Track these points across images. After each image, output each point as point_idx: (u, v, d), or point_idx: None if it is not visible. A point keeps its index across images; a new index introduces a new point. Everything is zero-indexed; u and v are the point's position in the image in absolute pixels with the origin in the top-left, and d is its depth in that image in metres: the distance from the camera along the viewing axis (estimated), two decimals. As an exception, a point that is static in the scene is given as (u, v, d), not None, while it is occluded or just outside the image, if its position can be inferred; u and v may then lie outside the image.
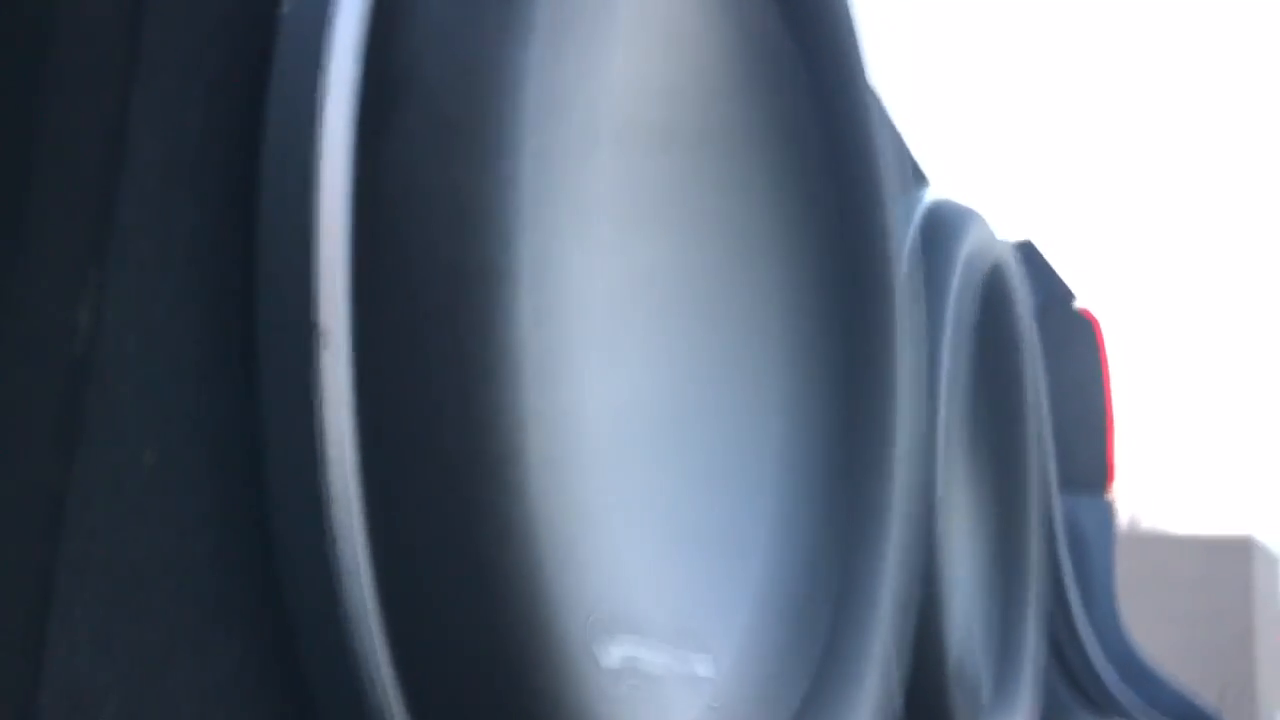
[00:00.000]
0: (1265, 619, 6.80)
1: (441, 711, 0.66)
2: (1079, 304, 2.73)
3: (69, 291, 0.56)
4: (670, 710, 0.78)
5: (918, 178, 1.90)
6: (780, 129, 1.18)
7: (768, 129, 1.18)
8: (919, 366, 1.23)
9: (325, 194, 0.64)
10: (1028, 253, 2.50)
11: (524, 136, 0.65)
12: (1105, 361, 2.72)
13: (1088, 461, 2.69)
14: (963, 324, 1.51)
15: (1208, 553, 6.61)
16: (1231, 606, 6.42)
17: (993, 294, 1.77)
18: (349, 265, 0.64)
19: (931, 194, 1.72)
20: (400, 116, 0.64)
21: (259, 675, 0.63)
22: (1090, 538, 2.67)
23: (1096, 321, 2.72)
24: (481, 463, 0.62)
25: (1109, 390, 2.72)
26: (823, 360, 1.20)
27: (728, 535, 1.05)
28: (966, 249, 1.61)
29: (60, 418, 0.54)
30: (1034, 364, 2.03)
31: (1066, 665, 2.43)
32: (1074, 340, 2.71)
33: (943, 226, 1.63)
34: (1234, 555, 6.60)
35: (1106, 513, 2.71)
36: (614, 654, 0.68)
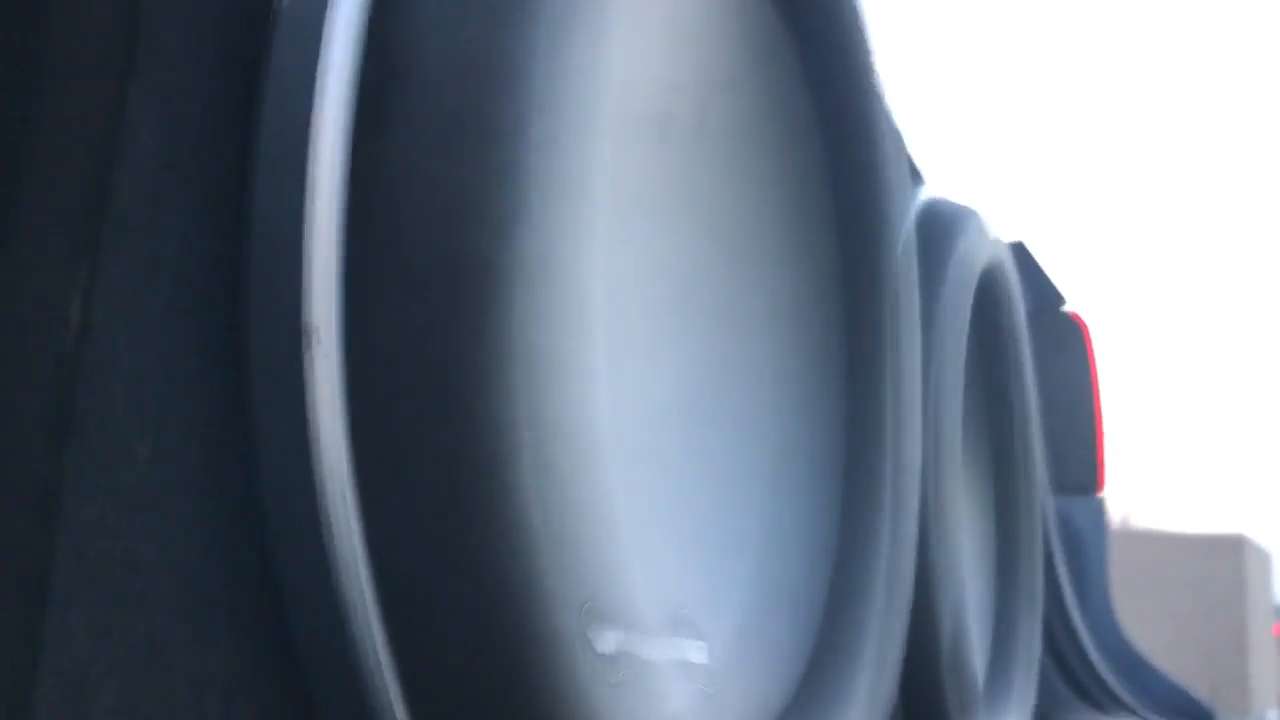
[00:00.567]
0: (1257, 615, 6.82)
1: (437, 701, 0.65)
2: (1068, 307, 2.74)
3: (60, 286, 0.56)
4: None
5: (914, 176, 1.90)
6: (783, 124, 1.18)
7: (771, 124, 1.18)
8: (915, 362, 1.23)
9: (319, 189, 0.63)
10: (1019, 255, 2.51)
11: (522, 128, 0.65)
12: (1095, 364, 2.73)
13: (1079, 463, 2.70)
14: (957, 321, 1.51)
15: (1200, 550, 6.64)
16: (1224, 603, 6.45)
17: (987, 292, 1.78)
18: (342, 260, 0.63)
19: (927, 192, 1.72)
20: (397, 109, 0.64)
21: (254, 667, 0.63)
22: (1084, 536, 2.68)
23: (1086, 325, 2.74)
24: (474, 462, 0.62)
25: (1098, 392, 2.73)
26: (818, 355, 1.20)
27: (724, 528, 1.05)
28: (961, 247, 1.61)
29: (53, 412, 0.54)
30: (1027, 363, 2.03)
31: (1062, 661, 2.43)
32: (1064, 343, 2.72)
33: (938, 224, 1.63)
34: (1226, 552, 6.63)
35: (1099, 511, 2.72)
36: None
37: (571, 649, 0.66)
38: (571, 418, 0.67)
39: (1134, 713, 2.39)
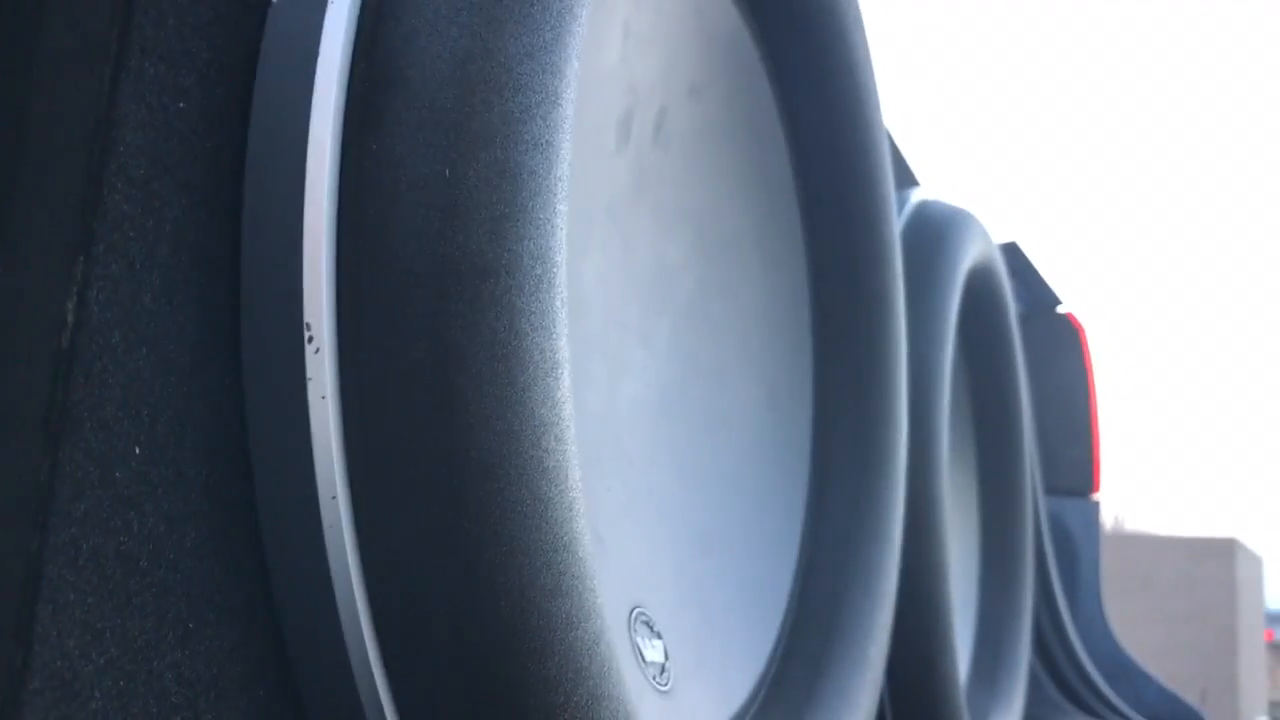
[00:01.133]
0: (1248, 619, 6.83)
1: (426, 702, 0.66)
2: (1064, 308, 2.74)
3: (55, 284, 0.56)
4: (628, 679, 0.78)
5: (909, 179, 1.91)
6: (779, 127, 1.19)
7: (766, 127, 1.18)
8: (897, 361, 1.23)
9: (313, 187, 0.63)
10: (1014, 256, 2.52)
11: (516, 128, 0.65)
12: (1090, 365, 2.73)
13: (1073, 465, 2.71)
14: (942, 320, 1.51)
15: (1192, 553, 6.64)
16: (1215, 607, 6.45)
17: (976, 292, 1.78)
18: (337, 259, 0.63)
19: (920, 194, 1.73)
20: (390, 108, 0.64)
21: (246, 665, 0.63)
22: (1076, 538, 2.68)
23: (1081, 326, 2.74)
24: (469, 461, 0.62)
25: (1094, 394, 2.74)
26: (788, 355, 1.20)
27: (690, 526, 1.05)
28: (949, 248, 1.61)
29: (47, 409, 0.54)
30: (1018, 363, 2.04)
31: (1052, 663, 2.44)
32: (1059, 344, 2.72)
33: (928, 225, 1.63)
34: (1218, 556, 6.64)
35: (1092, 514, 2.73)
36: (590, 630, 0.68)
37: (569, 647, 0.66)
38: (563, 417, 0.67)
39: (1124, 716, 2.40)
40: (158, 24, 0.60)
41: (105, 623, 0.55)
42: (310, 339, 0.63)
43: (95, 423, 0.55)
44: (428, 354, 0.62)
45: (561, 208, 0.67)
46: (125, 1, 0.58)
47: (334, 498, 0.62)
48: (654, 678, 0.90)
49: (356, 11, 0.66)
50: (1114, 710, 2.40)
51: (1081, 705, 2.41)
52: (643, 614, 0.93)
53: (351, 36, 0.65)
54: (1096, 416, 2.73)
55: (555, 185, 0.66)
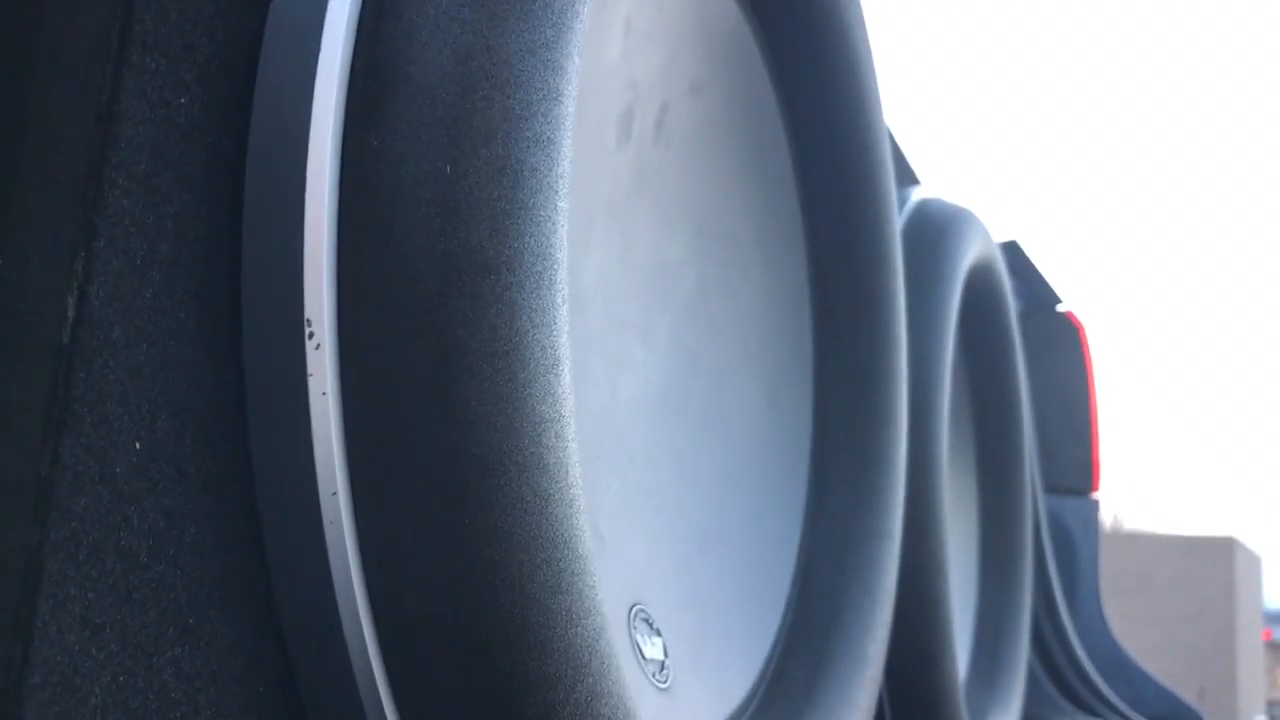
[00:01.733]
0: (1247, 618, 6.83)
1: (425, 698, 0.66)
2: (1064, 307, 2.74)
3: (56, 279, 0.55)
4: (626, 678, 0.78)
5: (909, 177, 1.91)
6: (780, 125, 1.19)
7: (767, 124, 1.18)
8: (898, 359, 1.23)
9: (314, 183, 0.63)
10: (1014, 255, 2.52)
11: (517, 125, 0.65)
12: (1090, 364, 2.73)
13: (1073, 463, 2.71)
14: (942, 318, 1.52)
15: (1191, 552, 6.65)
16: (1214, 606, 6.46)
17: (977, 290, 1.78)
18: (336, 255, 0.63)
19: (921, 193, 1.73)
20: (391, 103, 0.64)
21: (246, 660, 0.63)
22: (1075, 537, 2.68)
23: (1081, 325, 2.74)
24: (469, 457, 0.62)
25: (1093, 392, 2.74)
26: (788, 353, 1.20)
27: (689, 523, 1.05)
28: (949, 246, 1.61)
29: (48, 404, 0.54)
30: (1018, 361, 2.04)
31: (1051, 662, 2.44)
32: (1059, 343, 2.72)
33: (929, 224, 1.63)
34: (1217, 555, 6.64)
35: (1091, 513, 2.73)
36: (587, 629, 0.68)
37: (569, 644, 0.66)
38: (564, 413, 0.67)
39: (1122, 715, 2.40)
40: (159, 19, 0.60)
41: (105, 618, 0.55)
42: (311, 335, 0.62)
43: (95, 418, 0.55)
44: (428, 350, 0.62)
45: (562, 205, 0.67)
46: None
47: (334, 494, 0.62)
48: (653, 675, 0.90)
49: (358, 7, 0.65)
50: (1112, 709, 2.41)
51: (1080, 704, 2.41)
52: (642, 611, 0.93)
53: (353, 32, 0.65)
54: (1096, 415, 2.73)
55: (556, 182, 0.66)
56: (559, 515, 0.65)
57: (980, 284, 1.78)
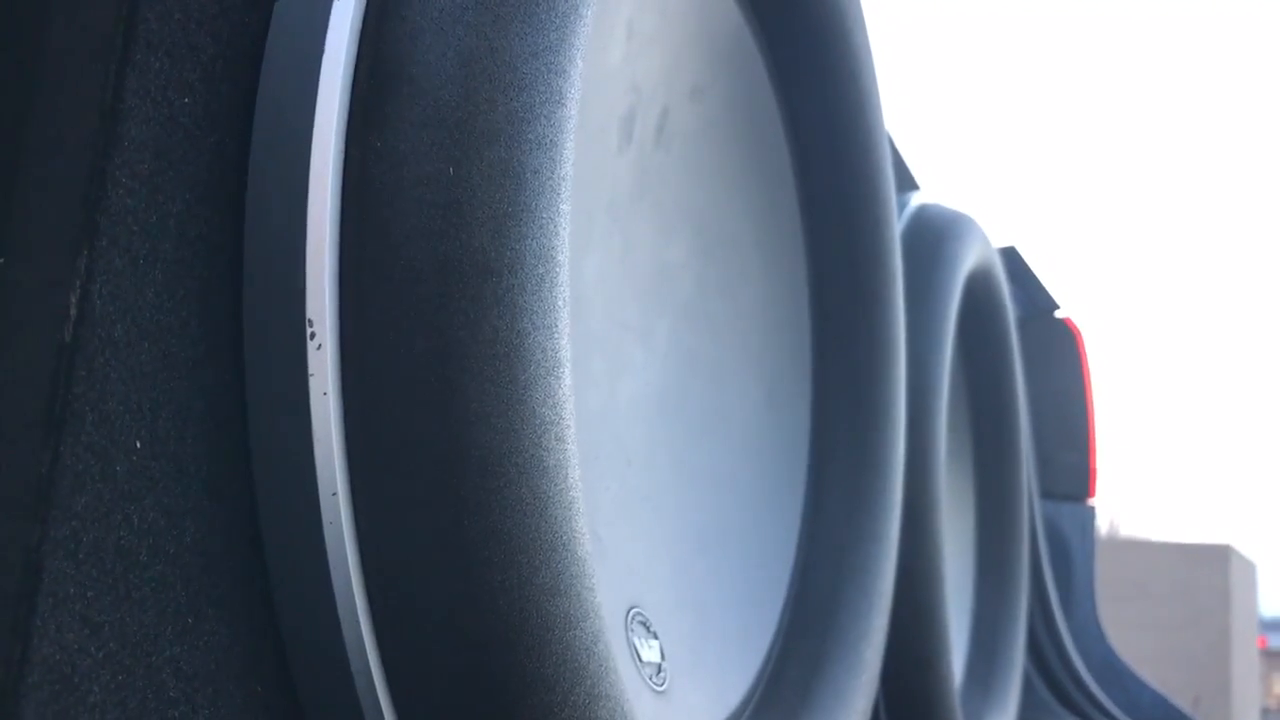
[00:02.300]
0: (1242, 626, 6.84)
1: (423, 699, 0.66)
2: (1062, 313, 2.75)
3: (58, 277, 0.55)
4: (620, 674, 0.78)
5: (908, 183, 1.91)
6: (780, 129, 1.19)
7: (768, 128, 1.18)
8: (896, 363, 1.23)
9: (317, 183, 0.63)
10: (1013, 260, 2.52)
11: (520, 127, 0.65)
12: (1087, 370, 2.74)
13: (1069, 469, 2.71)
14: (941, 323, 1.52)
15: (1186, 559, 6.65)
16: (1209, 613, 6.46)
17: (975, 295, 1.78)
18: (338, 255, 0.63)
19: (920, 198, 1.73)
20: (394, 104, 0.64)
21: (245, 660, 0.63)
22: (1071, 543, 2.68)
23: (1079, 331, 2.74)
24: (470, 459, 0.62)
25: (1090, 399, 2.74)
26: (786, 355, 1.20)
27: (687, 525, 1.06)
28: (949, 251, 1.62)
29: (49, 402, 0.54)
30: (1016, 367, 2.04)
31: (1046, 667, 2.44)
32: (1056, 349, 2.73)
33: (928, 229, 1.63)
34: (1212, 562, 6.64)
35: (1087, 519, 2.73)
36: (585, 632, 0.68)
37: (567, 646, 0.66)
38: (564, 415, 0.67)
39: (1117, 720, 2.40)
40: (163, 19, 0.60)
41: (104, 617, 0.55)
42: (312, 335, 0.63)
43: (96, 417, 0.55)
44: (429, 351, 0.62)
45: (565, 207, 0.67)
46: (131, -4, 0.58)
47: (334, 494, 0.62)
48: (650, 677, 0.90)
49: (361, 8, 0.65)
50: (1107, 715, 2.41)
51: (1075, 709, 2.41)
52: (639, 613, 0.93)
53: (356, 33, 0.65)
54: (1093, 422, 2.73)
55: (559, 184, 0.66)
56: (558, 517, 0.65)
57: (979, 289, 1.79)
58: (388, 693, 0.65)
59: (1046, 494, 2.65)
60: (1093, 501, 2.75)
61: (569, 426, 0.67)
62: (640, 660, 0.90)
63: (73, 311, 0.55)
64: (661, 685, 0.91)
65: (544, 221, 0.65)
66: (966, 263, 1.65)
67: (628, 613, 0.91)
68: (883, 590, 1.15)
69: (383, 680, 0.65)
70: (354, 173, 0.64)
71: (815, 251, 1.21)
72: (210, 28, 0.63)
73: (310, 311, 0.63)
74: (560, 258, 0.67)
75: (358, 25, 0.65)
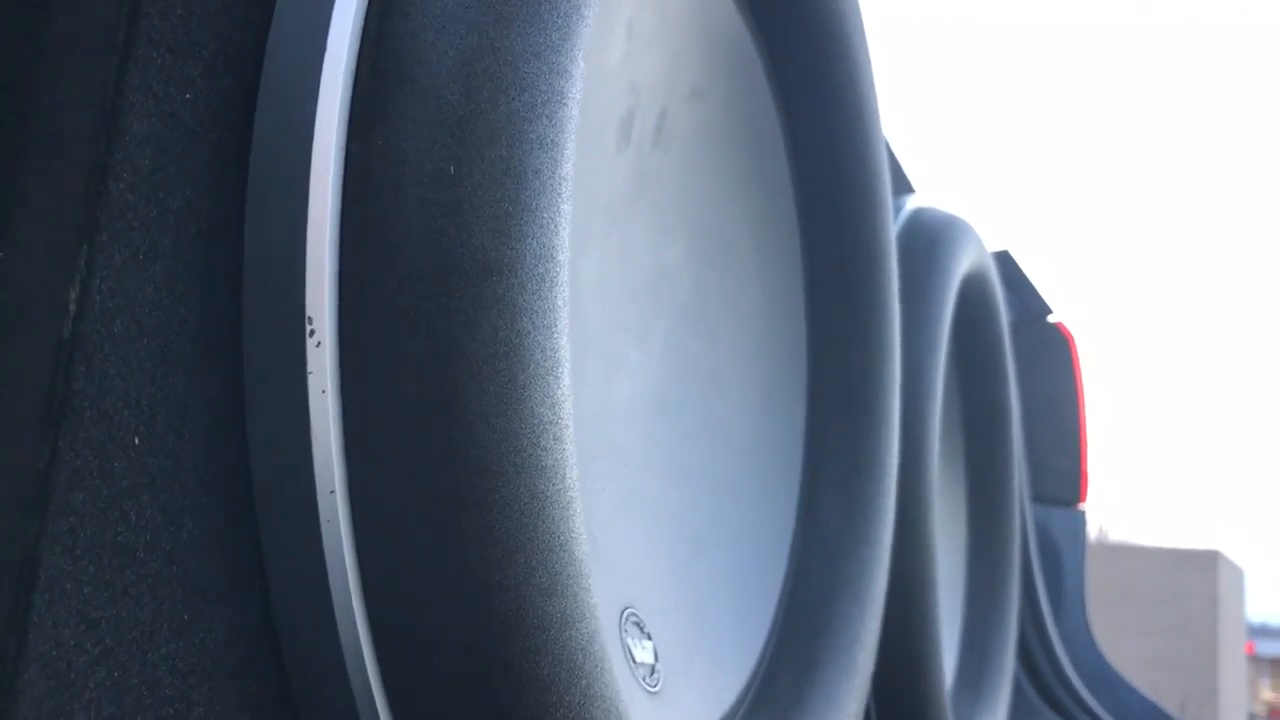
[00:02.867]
0: (1230, 631, 6.87)
1: (419, 698, 0.66)
2: (1055, 318, 2.75)
3: (58, 272, 0.55)
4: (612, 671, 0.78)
5: (904, 186, 1.91)
6: (778, 132, 1.19)
7: (766, 131, 1.18)
8: (891, 365, 1.24)
9: (317, 181, 0.63)
10: (1006, 264, 2.53)
11: (521, 126, 0.65)
12: (1080, 375, 2.74)
13: (1061, 474, 2.72)
14: (936, 326, 1.52)
15: (1175, 565, 6.67)
16: (1197, 618, 6.48)
17: (969, 299, 1.79)
18: (338, 253, 0.63)
19: (915, 202, 1.74)
20: (395, 103, 0.64)
21: (241, 657, 0.63)
22: (1062, 548, 2.69)
23: (1072, 336, 2.75)
24: (468, 459, 0.62)
25: (1083, 404, 2.75)
26: (783, 358, 1.21)
27: (682, 526, 1.06)
28: (943, 254, 1.62)
29: (48, 398, 0.54)
30: (1009, 371, 2.04)
31: (1036, 671, 2.45)
32: (1049, 353, 2.73)
33: (923, 232, 1.64)
34: (1201, 568, 6.66)
35: (1078, 524, 2.74)
36: (581, 632, 0.69)
37: (563, 647, 0.66)
38: (562, 416, 0.67)
39: (1106, 724, 2.41)
40: (165, 15, 0.60)
41: (101, 613, 0.55)
42: (312, 332, 0.62)
43: (95, 412, 0.55)
44: (429, 350, 0.62)
45: (565, 207, 0.67)
46: (134, -9, 0.58)
47: (332, 492, 0.62)
48: (644, 678, 0.90)
49: (364, 6, 0.65)
50: (1095, 718, 2.42)
51: (1064, 713, 2.42)
52: (633, 614, 0.93)
53: (358, 31, 0.65)
54: (1085, 427, 2.74)
55: (559, 184, 0.67)
56: (555, 518, 0.65)
57: (973, 293, 1.79)
58: (383, 691, 0.65)
59: (1038, 499, 2.65)
60: (1084, 507, 2.75)
61: (567, 426, 0.67)
62: (634, 661, 0.90)
63: (72, 307, 0.55)
64: (655, 686, 0.92)
65: (545, 221, 0.65)
66: (961, 266, 1.65)
67: (622, 613, 0.92)
68: (875, 593, 1.16)
69: (378, 679, 0.65)
70: (355, 171, 0.64)
71: (812, 254, 1.22)
72: (212, 24, 0.63)
73: (310, 309, 0.63)
74: (560, 258, 0.67)
75: (360, 23, 0.65)
